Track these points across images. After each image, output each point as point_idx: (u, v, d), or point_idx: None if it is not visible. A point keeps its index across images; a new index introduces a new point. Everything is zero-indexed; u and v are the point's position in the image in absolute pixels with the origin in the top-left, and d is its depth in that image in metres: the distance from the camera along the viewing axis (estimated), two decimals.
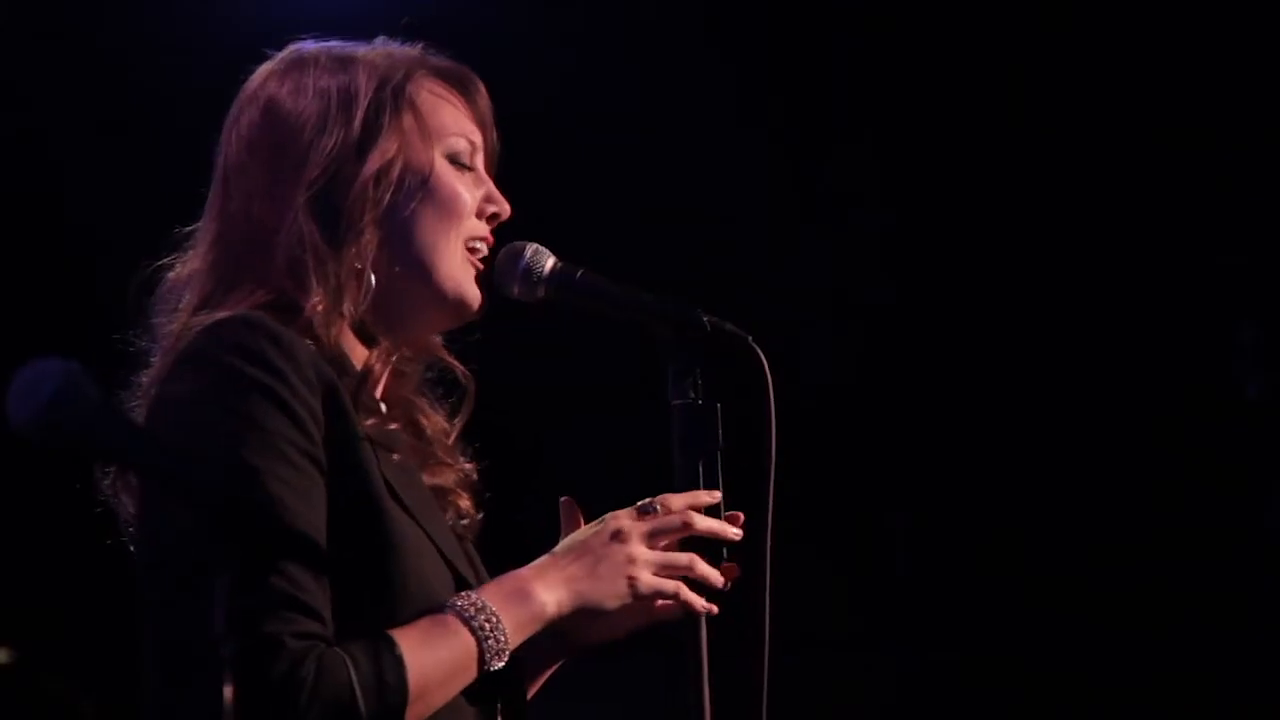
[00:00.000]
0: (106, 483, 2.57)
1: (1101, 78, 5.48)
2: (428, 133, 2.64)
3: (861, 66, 5.60)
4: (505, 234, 2.70)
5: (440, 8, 4.93)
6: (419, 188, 2.62)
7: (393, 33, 2.77)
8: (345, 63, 2.65)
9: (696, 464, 2.55)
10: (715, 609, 2.55)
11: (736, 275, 5.33)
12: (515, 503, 2.80)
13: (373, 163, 2.59)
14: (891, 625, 5.65)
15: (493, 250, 2.69)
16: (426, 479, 2.64)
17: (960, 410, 5.67)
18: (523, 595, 2.46)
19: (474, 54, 2.80)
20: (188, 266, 2.63)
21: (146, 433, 2.33)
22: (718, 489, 2.56)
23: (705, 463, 2.55)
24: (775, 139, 5.56)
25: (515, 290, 2.64)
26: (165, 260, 2.66)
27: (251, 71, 2.72)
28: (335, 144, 2.59)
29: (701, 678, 2.51)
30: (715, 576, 2.55)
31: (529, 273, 2.63)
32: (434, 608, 2.45)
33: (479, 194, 2.67)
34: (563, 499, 2.67)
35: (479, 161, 2.70)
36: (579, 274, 2.65)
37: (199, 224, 2.66)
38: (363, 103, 2.61)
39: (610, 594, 2.50)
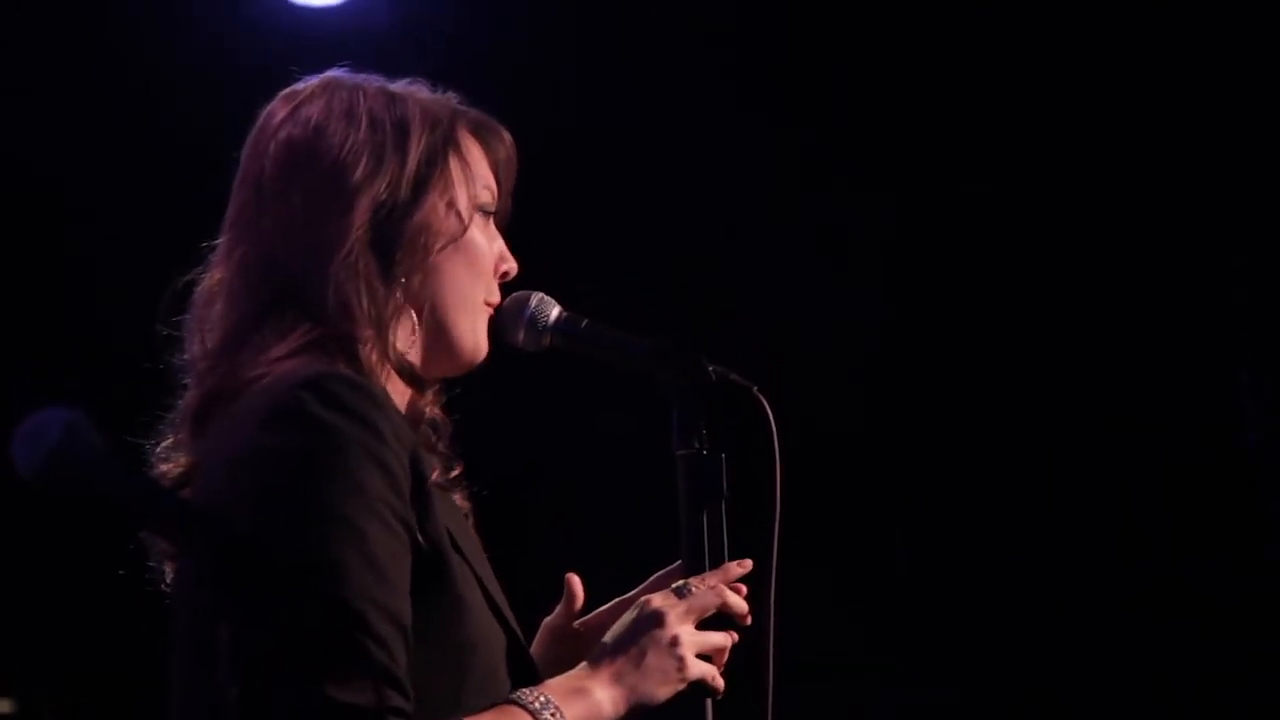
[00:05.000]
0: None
1: (1109, 105, 5.48)
2: (466, 189, 2.61)
3: (862, 97, 5.60)
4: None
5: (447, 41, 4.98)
6: (457, 237, 2.58)
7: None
8: (394, 97, 2.61)
9: (701, 514, 2.54)
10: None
11: (732, 298, 5.34)
12: (520, 552, 2.79)
13: (427, 206, 2.55)
14: (894, 662, 5.66)
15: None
16: None
17: (961, 446, 5.68)
18: (582, 693, 2.44)
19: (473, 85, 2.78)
20: (211, 282, 2.57)
21: (151, 483, 2.33)
22: (722, 539, 2.55)
23: (710, 513, 2.54)
24: (772, 169, 5.56)
25: (520, 339, 2.64)
26: (189, 277, 2.60)
27: (270, 89, 2.67)
28: (390, 182, 2.54)
29: None
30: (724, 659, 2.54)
31: (534, 322, 2.63)
32: (496, 689, 2.45)
33: (494, 250, 2.65)
34: (568, 575, 2.67)
35: (496, 218, 2.68)
36: (584, 323, 2.64)
37: (222, 239, 2.59)
38: (418, 142, 2.57)
39: (660, 684, 2.47)
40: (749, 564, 2.55)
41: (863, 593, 5.65)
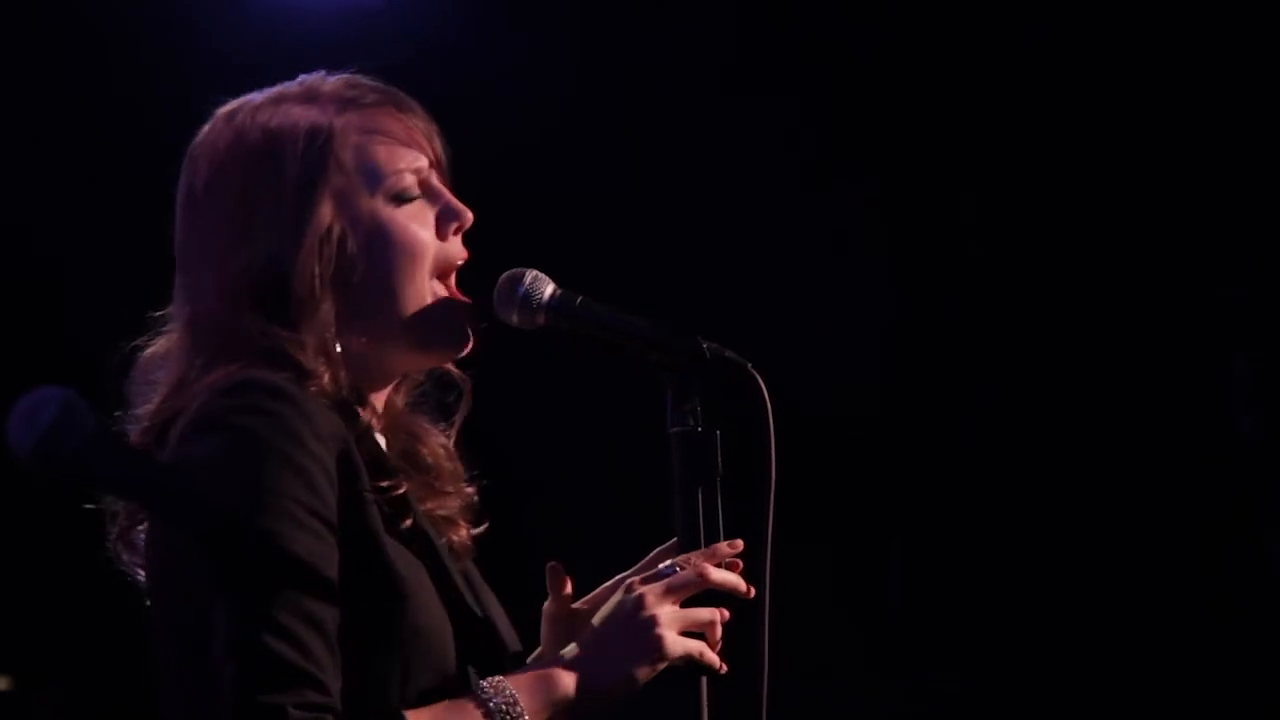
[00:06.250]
0: (110, 540, 2.57)
1: (1102, 105, 5.49)
2: (362, 185, 2.58)
3: (869, 89, 5.61)
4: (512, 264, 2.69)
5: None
6: (367, 246, 2.57)
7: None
8: (271, 118, 2.58)
9: (695, 492, 2.54)
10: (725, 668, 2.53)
11: (733, 298, 5.34)
12: (512, 533, 2.79)
13: (310, 239, 2.53)
14: (887, 652, 5.66)
15: (482, 275, 2.67)
16: (429, 509, 2.63)
17: (955, 441, 5.68)
18: (546, 677, 2.46)
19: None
20: (162, 345, 2.60)
21: (145, 461, 2.34)
22: (717, 517, 2.54)
23: (704, 491, 2.54)
24: (774, 165, 5.57)
25: (514, 318, 2.62)
26: (140, 341, 2.63)
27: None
28: (270, 228, 2.54)
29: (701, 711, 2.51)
30: (719, 635, 2.52)
31: (528, 300, 2.61)
32: (449, 678, 2.46)
33: (433, 216, 2.63)
34: (550, 564, 2.66)
35: (432, 179, 2.65)
36: (578, 301, 2.62)
37: (170, 307, 2.62)
38: (291, 177, 2.55)
39: (636, 664, 2.47)
40: (739, 544, 2.55)
41: (858, 587, 5.66)
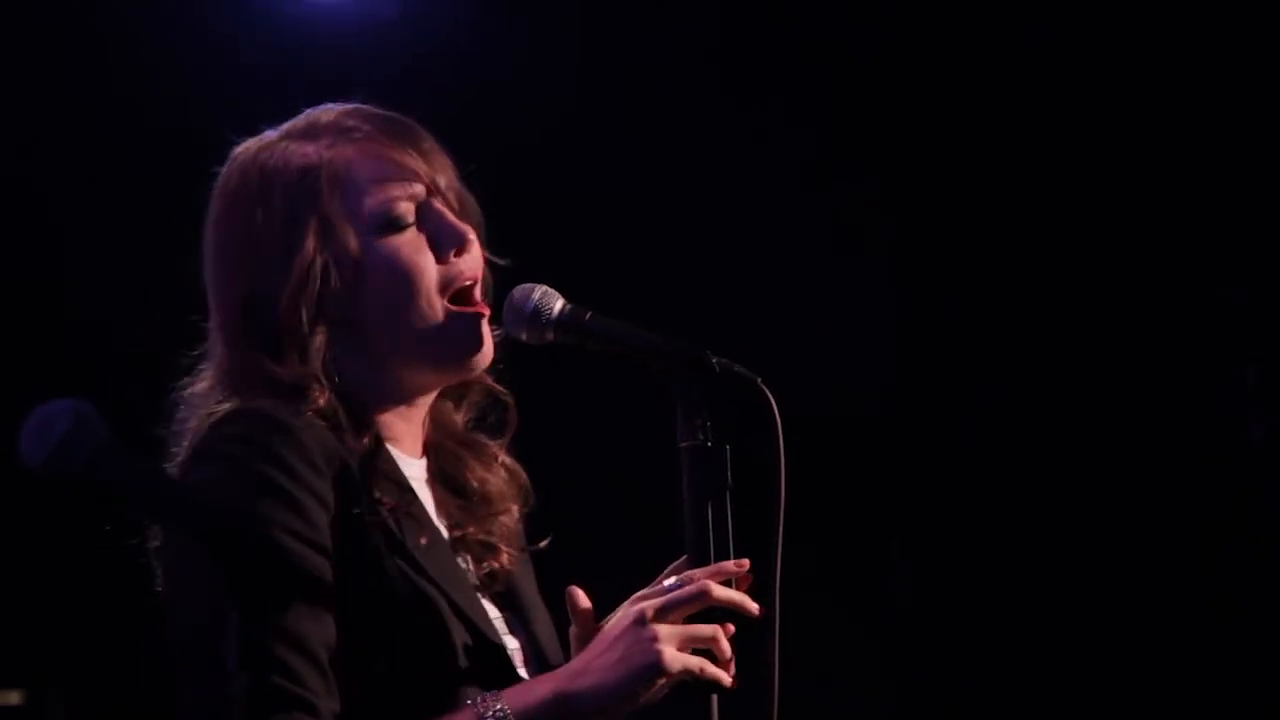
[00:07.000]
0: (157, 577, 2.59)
1: (1102, 105, 5.49)
2: (348, 219, 2.61)
3: (863, 96, 5.61)
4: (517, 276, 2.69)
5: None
6: (355, 278, 2.60)
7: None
8: (267, 169, 2.63)
9: (705, 506, 2.54)
10: (735, 683, 2.53)
11: (733, 298, 5.34)
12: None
13: (296, 275, 2.58)
14: (887, 652, 5.66)
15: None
16: (469, 533, 2.66)
17: (956, 441, 5.68)
18: (541, 693, 2.47)
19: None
20: (199, 385, 2.65)
21: (156, 473, 2.35)
22: (727, 532, 2.54)
23: (714, 505, 2.54)
24: (774, 165, 5.57)
25: (523, 333, 2.63)
26: (182, 383, 2.68)
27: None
28: (262, 265, 2.59)
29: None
30: (727, 651, 2.53)
31: (538, 315, 2.62)
32: (450, 698, 2.48)
33: (426, 241, 2.64)
34: (568, 588, 2.66)
35: (433, 204, 2.66)
36: (588, 316, 2.63)
37: (203, 346, 2.69)
38: (279, 215, 2.60)
39: (634, 681, 2.47)
40: (745, 562, 2.55)
41: (859, 587, 5.66)
